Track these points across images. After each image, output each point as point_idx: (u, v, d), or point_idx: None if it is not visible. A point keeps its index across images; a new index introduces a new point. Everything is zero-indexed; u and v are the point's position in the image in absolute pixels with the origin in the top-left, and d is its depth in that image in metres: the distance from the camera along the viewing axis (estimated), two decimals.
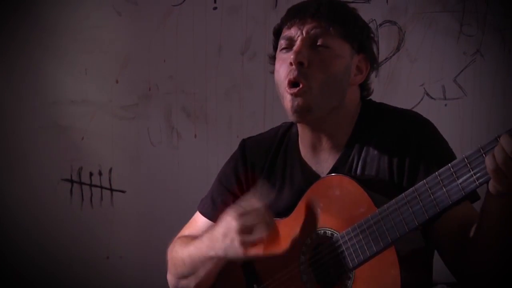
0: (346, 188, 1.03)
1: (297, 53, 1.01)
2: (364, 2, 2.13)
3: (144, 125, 1.97)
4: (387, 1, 2.12)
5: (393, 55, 2.14)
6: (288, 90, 1.03)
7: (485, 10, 1.80)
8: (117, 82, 1.94)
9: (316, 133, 1.11)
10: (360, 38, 1.08)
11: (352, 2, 2.09)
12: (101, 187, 1.96)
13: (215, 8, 2.03)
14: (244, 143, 1.24)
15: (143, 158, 1.97)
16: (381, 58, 2.23)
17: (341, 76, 1.06)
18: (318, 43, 1.03)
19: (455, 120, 1.92)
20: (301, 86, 1.01)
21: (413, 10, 2.05)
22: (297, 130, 1.16)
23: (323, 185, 1.09)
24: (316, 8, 1.03)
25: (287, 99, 1.04)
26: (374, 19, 2.15)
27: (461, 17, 1.87)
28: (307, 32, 1.02)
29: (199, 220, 1.26)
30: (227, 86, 2.03)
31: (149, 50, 1.95)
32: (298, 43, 1.02)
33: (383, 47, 2.20)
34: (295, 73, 1.02)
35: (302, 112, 1.03)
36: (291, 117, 1.06)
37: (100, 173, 1.95)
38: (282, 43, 1.07)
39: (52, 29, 1.88)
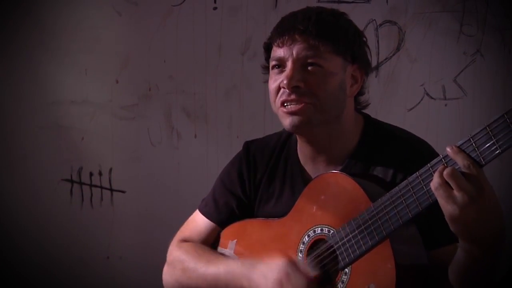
0: (342, 185, 1.04)
1: (290, 79, 1.01)
2: (364, 2, 2.13)
3: (144, 125, 1.97)
4: (387, 1, 2.12)
5: (393, 55, 2.14)
6: (284, 110, 1.04)
7: (485, 10, 1.80)
8: (117, 82, 1.94)
9: (313, 146, 1.12)
10: (352, 48, 1.07)
11: (352, 2, 2.09)
12: (101, 187, 1.96)
13: (215, 8, 2.03)
14: (248, 146, 1.24)
15: (143, 158, 1.97)
16: (381, 58, 2.23)
17: (336, 92, 1.06)
18: (309, 62, 1.03)
19: (455, 120, 1.92)
20: (298, 106, 1.02)
21: (413, 10, 2.05)
22: (296, 138, 1.16)
23: (319, 183, 1.09)
24: (305, 26, 1.03)
25: (283, 117, 1.06)
26: (374, 19, 2.15)
27: (461, 17, 1.86)
28: (297, 54, 1.02)
29: (200, 221, 1.26)
30: (227, 86, 2.03)
31: (149, 50, 1.95)
32: (289, 65, 1.02)
33: (383, 47, 2.20)
34: (292, 96, 1.02)
35: (300, 126, 1.05)
36: (288, 130, 1.08)
37: (100, 173, 1.96)
38: (273, 62, 1.07)
39: (52, 29, 1.87)
